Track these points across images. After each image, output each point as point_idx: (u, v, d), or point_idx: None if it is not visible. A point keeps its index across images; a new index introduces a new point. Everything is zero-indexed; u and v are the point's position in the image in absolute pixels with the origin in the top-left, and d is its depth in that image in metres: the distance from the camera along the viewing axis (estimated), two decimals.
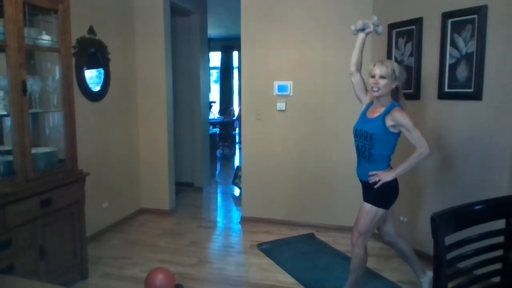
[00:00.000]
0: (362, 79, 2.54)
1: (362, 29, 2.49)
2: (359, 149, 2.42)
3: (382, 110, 2.32)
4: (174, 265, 3.17)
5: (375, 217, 2.37)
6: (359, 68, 2.53)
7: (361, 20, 2.48)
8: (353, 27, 2.50)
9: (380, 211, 2.36)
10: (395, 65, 2.31)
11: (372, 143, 2.30)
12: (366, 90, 2.51)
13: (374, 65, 2.32)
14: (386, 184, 2.30)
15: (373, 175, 2.33)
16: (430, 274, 2.52)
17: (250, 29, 4.11)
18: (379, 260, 3.22)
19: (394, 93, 2.37)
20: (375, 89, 2.29)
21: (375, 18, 2.51)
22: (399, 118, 2.23)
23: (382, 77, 2.27)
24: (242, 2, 4.10)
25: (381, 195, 2.34)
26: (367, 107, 2.46)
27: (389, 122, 2.26)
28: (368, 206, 2.37)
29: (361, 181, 2.48)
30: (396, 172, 2.29)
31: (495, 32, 2.68)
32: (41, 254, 2.51)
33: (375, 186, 2.31)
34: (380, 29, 2.54)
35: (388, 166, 2.38)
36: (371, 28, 2.48)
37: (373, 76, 2.30)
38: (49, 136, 3.01)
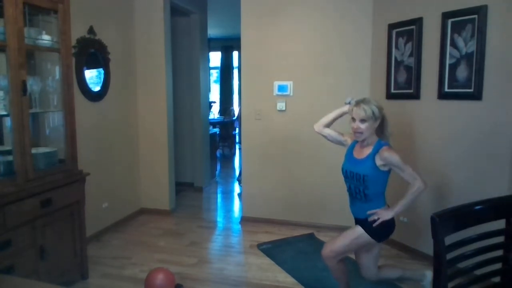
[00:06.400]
0: (332, 129, 2.56)
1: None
2: (352, 190, 2.38)
3: (369, 149, 2.29)
4: (174, 265, 3.17)
5: (361, 243, 2.33)
6: (328, 127, 2.57)
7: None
8: (349, 99, 2.45)
9: (369, 240, 2.31)
10: (373, 105, 2.24)
11: (366, 184, 2.27)
12: (340, 133, 2.54)
13: (353, 108, 2.28)
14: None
15: (372, 213, 2.29)
16: (429, 274, 2.51)
17: (250, 29, 4.11)
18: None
19: (380, 125, 2.32)
20: (357, 134, 2.27)
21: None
22: (388, 158, 2.21)
23: (362, 120, 2.23)
24: (242, 2, 4.10)
25: (377, 227, 2.28)
26: (352, 146, 2.43)
27: (379, 162, 2.23)
28: (360, 231, 2.32)
29: (355, 218, 2.43)
30: (394, 211, 2.26)
31: (495, 32, 2.68)
32: (41, 254, 2.50)
33: (374, 225, 2.26)
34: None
35: (385, 203, 2.34)
36: (347, 111, 2.45)
37: (353, 119, 2.27)
38: (49, 136, 3.00)
